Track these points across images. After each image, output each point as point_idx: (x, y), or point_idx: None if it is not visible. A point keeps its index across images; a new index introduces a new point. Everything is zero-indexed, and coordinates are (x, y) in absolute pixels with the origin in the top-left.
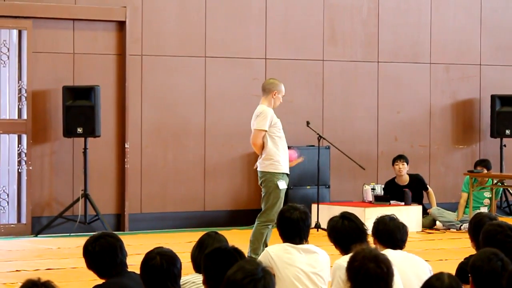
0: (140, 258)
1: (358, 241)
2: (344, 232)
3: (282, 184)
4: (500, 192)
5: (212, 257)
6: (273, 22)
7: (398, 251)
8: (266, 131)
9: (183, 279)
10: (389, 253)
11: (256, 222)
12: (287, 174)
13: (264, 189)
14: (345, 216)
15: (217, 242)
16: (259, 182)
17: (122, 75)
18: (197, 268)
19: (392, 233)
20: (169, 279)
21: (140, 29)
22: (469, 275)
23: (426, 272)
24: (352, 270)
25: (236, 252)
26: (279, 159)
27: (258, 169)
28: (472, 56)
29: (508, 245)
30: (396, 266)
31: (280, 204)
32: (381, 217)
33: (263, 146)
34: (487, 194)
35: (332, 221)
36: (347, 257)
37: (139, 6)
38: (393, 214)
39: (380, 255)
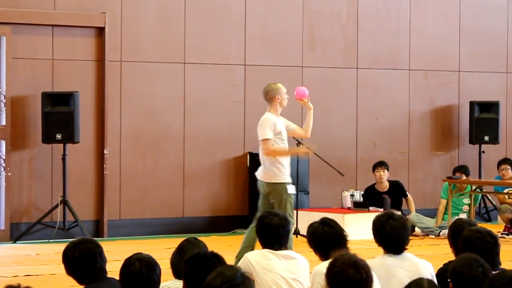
0: (119, 264)
1: (337, 247)
2: (324, 238)
3: (291, 189)
4: (479, 198)
5: (192, 263)
6: (252, 28)
7: (400, 256)
8: (270, 139)
9: (163, 285)
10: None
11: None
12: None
13: (275, 197)
14: (325, 222)
15: (197, 248)
16: (264, 192)
17: (101, 81)
18: (177, 274)
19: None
20: (148, 285)
21: (119, 35)
22: (449, 280)
23: (427, 274)
24: (331, 276)
25: (216, 257)
26: (283, 170)
27: (262, 179)
28: (451, 62)
29: (487, 251)
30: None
31: (293, 206)
32: (379, 220)
33: (276, 152)
34: (466, 200)
35: (312, 227)
36: (326, 263)
37: (119, 12)
38: (392, 212)
39: (360, 261)
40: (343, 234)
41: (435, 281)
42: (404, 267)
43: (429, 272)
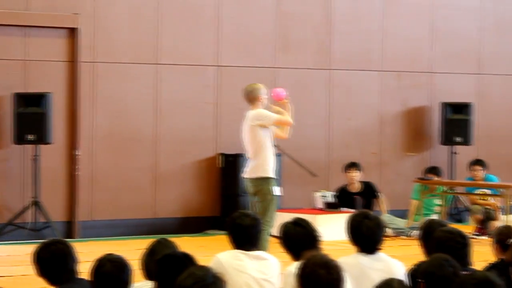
0: (90, 265)
1: (310, 247)
2: (296, 238)
3: (278, 191)
4: (451, 199)
5: (163, 264)
6: (225, 29)
7: (373, 256)
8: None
9: (134, 286)
10: (360, 257)
11: None
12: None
13: (261, 197)
14: (298, 222)
15: (168, 248)
16: (254, 190)
17: (73, 82)
18: (148, 275)
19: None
20: (119, 286)
21: (92, 36)
22: (420, 281)
23: (400, 275)
24: (303, 277)
25: (187, 258)
26: (272, 165)
27: (251, 176)
28: (423, 64)
29: (458, 252)
30: (366, 270)
31: (276, 209)
32: (355, 219)
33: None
34: (437, 201)
35: (285, 227)
36: (298, 264)
37: (92, 13)
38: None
39: (331, 262)
40: (315, 235)
41: (407, 281)
42: (378, 267)
43: (402, 272)
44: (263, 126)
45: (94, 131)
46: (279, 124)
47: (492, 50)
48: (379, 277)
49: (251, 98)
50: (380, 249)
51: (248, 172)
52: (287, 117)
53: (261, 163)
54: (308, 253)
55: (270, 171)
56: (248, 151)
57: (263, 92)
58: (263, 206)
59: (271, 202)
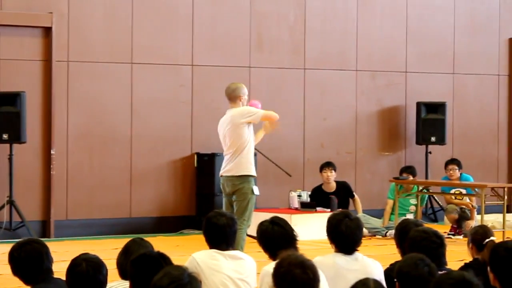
0: (66, 264)
1: (287, 246)
2: (274, 237)
3: (257, 190)
4: (426, 199)
5: (138, 263)
6: (200, 28)
7: (351, 256)
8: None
9: (109, 285)
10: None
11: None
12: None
13: (240, 196)
14: (275, 221)
15: (143, 248)
16: (232, 189)
17: (48, 81)
18: (123, 275)
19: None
20: (95, 285)
21: (66, 35)
22: (395, 280)
23: (377, 275)
24: (278, 276)
25: (162, 257)
26: (253, 162)
27: (233, 174)
28: (398, 63)
29: (433, 251)
30: (345, 270)
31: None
32: (335, 219)
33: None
34: (413, 201)
35: (262, 226)
36: (274, 264)
37: (66, 12)
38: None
39: (306, 261)
40: (292, 234)
41: (384, 281)
42: (354, 268)
43: (379, 272)
44: (251, 123)
45: (69, 130)
46: (267, 118)
47: (466, 50)
48: (355, 278)
49: (233, 96)
50: (357, 250)
51: (229, 170)
52: (272, 112)
53: (244, 161)
54: (284, 252)
55: (253, 169)
56: (230, 148)
57: (245, 92)
58: (242, 205)
59: (251, 201)
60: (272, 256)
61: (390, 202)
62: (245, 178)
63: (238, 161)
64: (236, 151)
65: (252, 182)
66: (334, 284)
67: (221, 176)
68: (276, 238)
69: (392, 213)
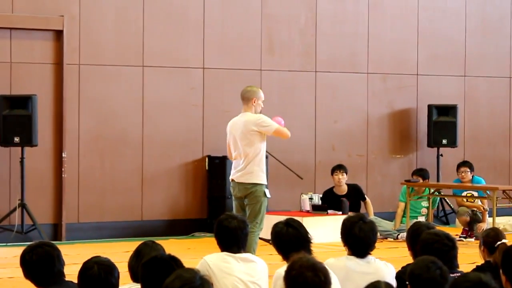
0: (77, 267)
1: (301, 249)
2: (288, 239)
3: (268, 193)
4: (437, 201)
5: (149, 266)
6: (210, 31)
7: (363, 259)
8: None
9: None
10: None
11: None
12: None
13: (253, 199)
14: (290, 223)
15: (154, 251)
16: (244, 193)
17: (59, 84)
18: (135, 278)
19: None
20: (108, 287)
21: (77, 38)
22: (407, 283)
23: (390, 278)
24: (289, 279)
25: (173, 260)
26: (264, 171)
27: (244, 181)
28: (409, 66)
29: (445, 254)
30: (358, 273)
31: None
32: (350, 221)
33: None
34: (424, 203)
35: (277, 227)
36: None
37: (77, 15)
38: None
39: (318, 264)
40: (307, 237)
41: (395, 284)
42: (365, 271)
43: (391, 276)
44: (263, 133)
45: (80, 133)
46: (278, 134)
47: (478, 52)
48: (365, 281)
49: (246, 97)
50: (370, 253)
51: (240, 176)
52: (286, 130)
53: (256, 169)
54: (296, 255)
55: (265, 178)
56: (242, 154)
57: (259, 96)
58: (255, 209)
59: (263, 204)
60: (286, 258)
61: (402, 205)
62: (256, 184)
63: (250, 169)
64: (247, 157)
65: (264, 186)
66: (343, 287)
67: (232, 180)
68: (290, 240)
69: (403, 216)
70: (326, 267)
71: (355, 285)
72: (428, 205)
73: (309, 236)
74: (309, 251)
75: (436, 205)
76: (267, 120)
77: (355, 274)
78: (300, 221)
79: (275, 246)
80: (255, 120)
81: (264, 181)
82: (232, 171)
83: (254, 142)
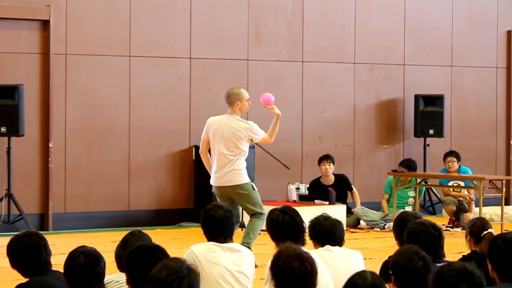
0: (64, 257)
1: (295, 237)
2: (283, 227)
3: (254, 185)
4: (423, 191)
5: (134, 256)
6: (197, 21)
7: (336, 248)
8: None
9: (107, 278)
10: (326, 251)
11: (254, 218)
12: None
13: (243, 196)
14: (286, 211)
15: (141, 241)
16: (231, 195)
17: (46, 74)
18: (121, 267)
19: (329, 232)
20: (93, 278)
21: (64, 28)
22: (391, 273)
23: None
24: (276, 268)
25: (158, 249)
26: (245, 168)
27: (228, 184)
28: (396, 56)
29: (431, 244)
30: (332, 264)
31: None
32: (315, 218)
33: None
34: (411, 193)
35: (272, 214)
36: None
37: (63, 5)
38: (325, 213)
39: (304, 254)
40: (302, 226)
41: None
42: (336, 254)
43: (360, 259)
44: (250, 140)
45: (67, 123)
46: (262, 142)
47: (465, 42)
48: (336, 262)
49: (229, 101)
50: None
51: (223, 181)
52: (269, 137)
53: (239, 169)
54: (282, 245)
55: (247, 176)
56: (226, 156)
57: (242, 98)
58: (250, 201)
59: (254, 193)
60: (279, 246)
61: (386, 196)
62: (244, 185)
63: (231, 171)
64: (232, 159)
65: (250, 183)
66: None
67: (215, 185)
68: (286, 227)
69: (390, 206)
70: (312, 257)
71: (332, 267)
72: (415, 195)
73: (304, 225)
74: (303, 240)
75: (422, 194)
76: (257, 129)
77: (328, 257)
78: None
79: (270, 233)
80: (247, 127)
81: (248, 179)
82: (214, 175)
83: (241, 145)
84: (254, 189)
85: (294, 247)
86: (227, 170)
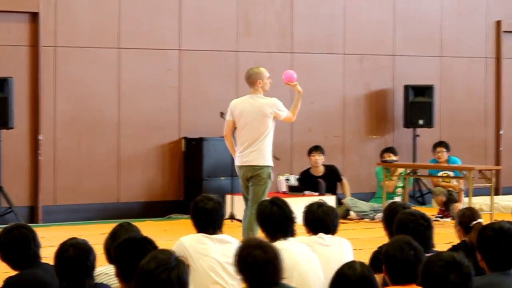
0: (54, 250)
1: (284, 228)
2: (271, 218)
3: (272, 175)
4: (411, 181)
5: (122, 248)
6: (187, 13)
7: (328, 236)
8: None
9: (97, 270)
10: (318, 239)
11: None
12: None
13: (259, 181)
14: (275, 201)
15: (130, 232)
16: (252, 174)
17: (35, 66)
18: (111, 259)
19: (321, 220)
20: (82, 271)
21: (53, 20)
22: (383, 263)
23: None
24: (240, 261)
25: (146, 241)
26: (271, 151)
27: (252, 164)
28: (385, 46)
29: (421, 234)
30: (322, 253)
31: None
32: (309, 205)
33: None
34: (400, 183)
35: (261, 205)
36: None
37: None
38: (322, 200)
39: (265, 242)
40: (291, 216)
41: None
42: (327, 243)
43: (350, 247)
44: (275, 117)
45: (57, 116)
46: (285, 120)
47: (454, 33)
48: (327, 252)
49: (250, 82)
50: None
51: (246, 160)
52: (292, 114)
53: (263, 150)
54: (281, 234)
55: (271, 159)
56: (251, 136)
57: (263, 77)
58: (260, 190)
59: (268, 187)
60: (270, 236)
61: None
62: (263, 167)
63: (257, 151)
64: (255, 139)
65: (270, 168)
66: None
67: (238, 165)
68: (274, 218)
69: (379, 197)
70: (274, 245)
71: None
72: (403, 185)
73: (294, 215)
74: (292, 231)
75: (411, 184)
76: (282, 106)
77: (318, 246)
78: None
79: (259, 224)
80: (272, 104)
81: (271, 163)
82: (239, 155)
83: (267, 123)
84: (270, 178)
85: (255, 237)
86: (252, 150)
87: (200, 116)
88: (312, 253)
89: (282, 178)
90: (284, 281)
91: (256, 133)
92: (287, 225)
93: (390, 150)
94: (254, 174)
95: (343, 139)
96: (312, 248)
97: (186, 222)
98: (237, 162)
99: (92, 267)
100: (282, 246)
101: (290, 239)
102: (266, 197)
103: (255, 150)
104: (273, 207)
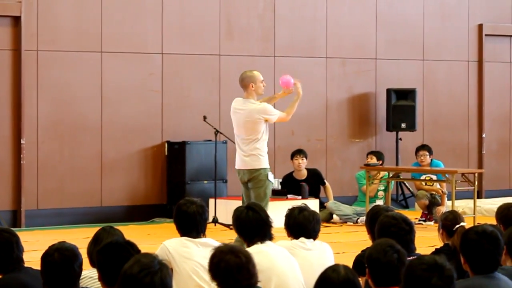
0: (37, 254)
1: (261, 232)
2: (248, 223)
3: (271, 177)
4: (392, 184)
5: (105, 252)
6: (169, 16)
7: (310, 241)
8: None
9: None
10: (300, 243)
11: None
12: None
13: (256, 184)
14: (251, 207)
15: (112, 236)
16: (249, 177)
17: (17, 70)
18: (93, 263)
19: (302, 226)
20: (66, 276)
21: (35, 24)
22: (366, 266)
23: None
24: (213, 267)
25: (129, 245)
26: (266, 156)
27: (247, 168)
28: (368, 50)
29: (402, 237)
30: (304, 257)
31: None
32: (290, 209)
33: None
34: (382, 187)
35: (237, 211)
36: (250, 249)
37: (34, 1)
38: (304, 204)
39: (236, 247)
40: (267, 221)
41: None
42: (309, 247)
43: (330, 252)
44: (267, 121)
45: (39, 120)
46: (278, 121)
47: (436, 36)
48: (308, 256)
49: (243, 85)
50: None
51: (243, 164)
52: (286, 114)
53: (258, 153)
54: (258, 239)
55: (266, 162)
56: (244, 139)
57: (256, 80)
58: (260, 192)
59: (268, 188)
60: (247, 241)
61: (364, 188)
62: (258, 170)
63: (252, 154)
64: (247, 144)
65: (267, 170)
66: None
67: (237, 169)
68: (250, 223)
69: (362, 200)
70: (245, 249)
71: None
72: (383, 188)
73: (270, 220)
74: (270, 235)
75: (392, 188)
76: (271, 109)
77: (300, 250)
78: None
79: (237, 230)
80: (260, 110)
81: (266, 165)
82: (236, 158)
83: (258, 128)
84: (268, 179)
85: (226, 243)
86: (246, 154)
87: (183, 120)
88: (291, 256)
89: None
90: (261, 284)
91: (248, 137)
92: (264, 230)
93: (374, 153)
94: (251, 177)
95: (326, 143)
96: (293, 251)
97: (169, 226)
98: (235, 165)
99: (76, 275)
100: (259, 249)
101: (268, 242)
102: (269, 198)
103: (250, 155)
104: (248, 212)
